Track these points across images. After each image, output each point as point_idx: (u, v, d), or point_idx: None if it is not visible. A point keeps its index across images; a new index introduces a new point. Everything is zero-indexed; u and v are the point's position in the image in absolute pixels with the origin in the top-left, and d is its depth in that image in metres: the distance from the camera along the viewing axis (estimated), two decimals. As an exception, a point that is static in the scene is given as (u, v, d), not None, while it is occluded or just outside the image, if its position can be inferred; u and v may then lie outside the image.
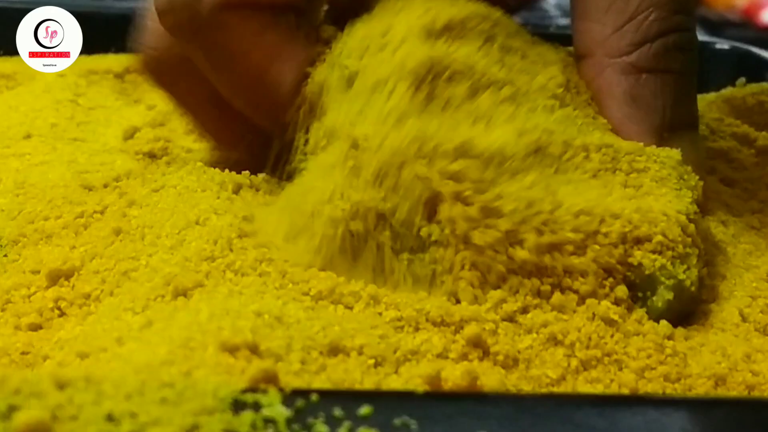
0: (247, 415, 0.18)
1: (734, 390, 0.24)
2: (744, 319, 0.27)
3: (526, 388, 0.23)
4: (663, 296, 0.26)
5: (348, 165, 0.27)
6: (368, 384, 0.22)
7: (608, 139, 0.28)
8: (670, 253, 0.26)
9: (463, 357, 0.24)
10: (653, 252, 0.26)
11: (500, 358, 0.24)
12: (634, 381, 0.24)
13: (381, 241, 0.26)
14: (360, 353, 0.23)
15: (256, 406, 0.18)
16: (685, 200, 0.28)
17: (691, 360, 0.25)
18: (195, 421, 0.18)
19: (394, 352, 0.23)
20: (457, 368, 0.23)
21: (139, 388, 0.18)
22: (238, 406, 0.18)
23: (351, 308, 0.25)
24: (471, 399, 0.20)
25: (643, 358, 0.24)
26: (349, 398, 0.19)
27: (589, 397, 0.23)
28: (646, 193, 0.27)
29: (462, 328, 0.24)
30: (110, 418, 0.18)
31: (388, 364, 0.23)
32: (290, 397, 0.19)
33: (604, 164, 0.28)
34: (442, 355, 0.24)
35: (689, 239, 0.27)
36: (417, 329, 0.24)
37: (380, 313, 0.25)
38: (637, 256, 0.26)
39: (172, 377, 0.19)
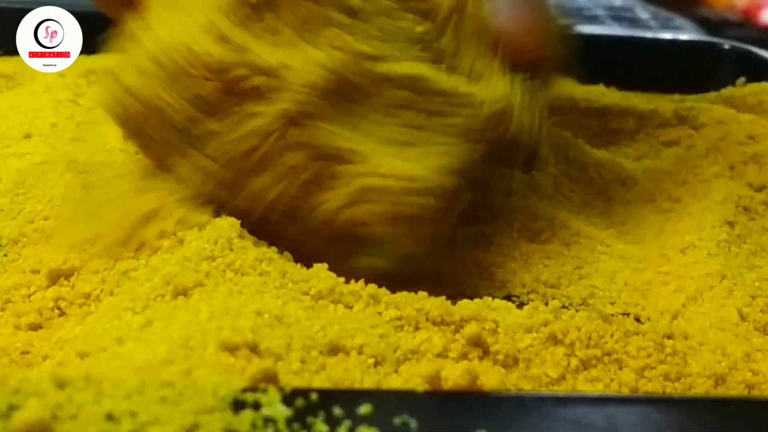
0: (247, 414, 0.18)
1: (734, 389, 0.24)
2: (743, 318, 0.27)
3: (527, 387, 0.23)
4: (376, 262, 0.27)
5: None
6: (368, 383, 0.22)
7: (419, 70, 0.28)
8: (402, 222, 0.27)
9: (463, 356, 0.24)
10: (380, 220, 0.27)
11: (500, 357, 0.24)
12: (634, 380, 0.24)
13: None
14: (360, 353, 0.23)
15: (256, 406, 0.18)
16: (452, 157, 0.28)
17: (691, 359, 0.25)
18: (195, 420, 0.18)
19: (394, 351, 0.23)
20: (457, 368, 0.23)
21: (139, 388, 0.18)
22: (238, 405, 0.18)
23: (351, 308, 0.25)
24: (470, 398, 0.20)
25: (643, 357, 0.24)
26: (348, 397, 0.19)
27: (588, 396, 0.23)
28: (424, 143, 0.28)
29: (462, 327, 0.24)
30: (110, 417, 0.18)
31: (388, 363, 0.23)
32: (290, 396, 0.19)
33: (408, 101, 0.28)
34: (442, 355, 0.24)
35: (431, 201, 0.27)
36: (417, 328, 0.24)
37: (380, 313, 0.25)
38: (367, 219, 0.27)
39: (172, 376, 0.19)
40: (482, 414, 0.19)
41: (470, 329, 0.24)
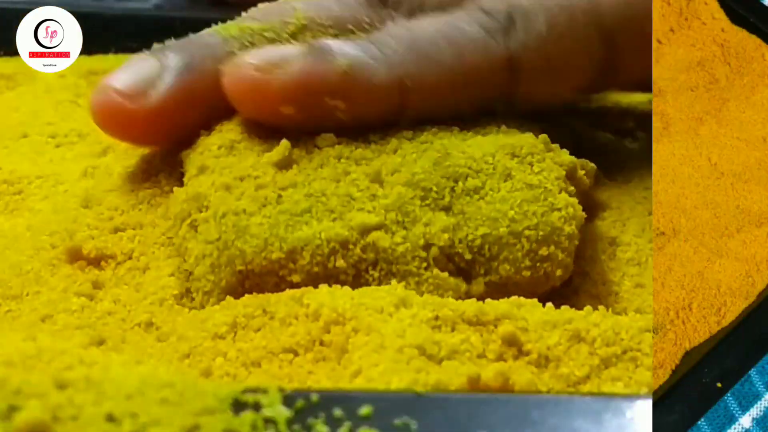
0: (248, 416, 0.18)
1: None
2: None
3: (557, 387, 0.23)
4: None
5: None
6: (406, 381, 0.21)
7: None
8: None
9: (500, 357, 0.23)
10: None
11: (534, 356, 0.24)
12: (649, 378, 0.24)
13: None
14: (400, 351, 0.22)
15: (257, 407, 0.18)
16: None
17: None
18: (196, 421, 0.18)
19: (434, 350, 0.23)
20: (490, 369, 0.22)
21: (140, 388, 0.18)
22: (238, 406, 0.18)
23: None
24: (471, 399, 0.20)
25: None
26: (349, 399, 0.19)
27: (589, 399, 0.23)
28: None
29: (496, 326, 0.24)
30: (111, 418, 0.18)
31: (427, 361, 0.22)
32: (290, 397, 0.19)
33: None
34: (481, 355, 0.23)
35: None
36: (454, 329, 0.24)
37: (415, 314, 0.24)
38: None
39: (172, 377, 0.19)
40: (482, 415, 0.19)
41: (504, 328, 0.24)
